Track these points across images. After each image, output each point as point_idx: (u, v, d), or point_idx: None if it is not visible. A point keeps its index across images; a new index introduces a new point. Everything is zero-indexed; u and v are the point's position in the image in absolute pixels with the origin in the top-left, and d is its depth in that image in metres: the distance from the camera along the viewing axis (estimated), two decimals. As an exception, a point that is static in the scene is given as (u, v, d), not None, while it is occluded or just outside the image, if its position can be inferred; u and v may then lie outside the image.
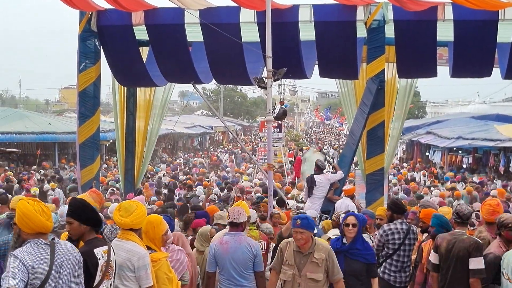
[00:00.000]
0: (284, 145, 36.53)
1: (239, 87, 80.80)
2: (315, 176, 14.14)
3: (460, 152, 35.29)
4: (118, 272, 6.07)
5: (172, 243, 7.61)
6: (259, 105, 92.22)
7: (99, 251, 5.76)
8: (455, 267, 7.43)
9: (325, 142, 64.41)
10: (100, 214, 6.63)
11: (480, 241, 7.56)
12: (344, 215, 8.94)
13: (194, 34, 15.16)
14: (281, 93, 43.46)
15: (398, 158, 42.89)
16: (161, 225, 6.84)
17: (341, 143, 57.82)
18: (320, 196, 13.89)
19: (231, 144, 59.20)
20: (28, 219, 5.04)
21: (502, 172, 31.02)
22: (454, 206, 15.44)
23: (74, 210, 5.87)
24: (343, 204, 12.94)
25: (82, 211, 5.87)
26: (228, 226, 8.11)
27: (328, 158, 39.02)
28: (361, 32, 14.44)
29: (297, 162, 13.51)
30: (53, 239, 5.21)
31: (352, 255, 7.63)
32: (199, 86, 15.38)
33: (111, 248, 5.95)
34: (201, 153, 48.86)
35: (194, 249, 8.92)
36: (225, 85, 66.38)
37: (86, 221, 5.84)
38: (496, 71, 15.80)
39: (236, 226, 7.79)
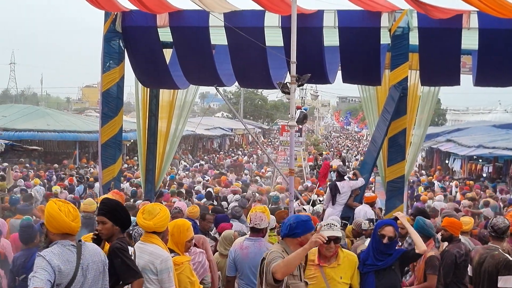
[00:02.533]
0: (304, 150, 36.54)
1: (259, 90, 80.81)
2: (337, 183, 14.16)
3: (480, 160, 35.08)
4: None
5: (195, 245, 7.65)
6: (279, 108, 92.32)
7: (131, 250, 5.83)
8: (484, 283, 7.26)
9: (345, 147, 64.33)
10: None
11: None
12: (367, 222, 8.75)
13: (217, 37, 15.19)
14: (302, 98, 43.43)
15: (418, 166, 42.71)
16: (187, 232, 6.89)
17: (360, 149, 57.72)
18: (342, 203, 13.91)
19: (250, 147, 59.31)
20: (53, 219, 5.12)
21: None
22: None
23: (108, 210, 5.90)
24: (361, 211, 12.93)
25: (116, 212, 5.92)
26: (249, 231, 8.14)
27: (348, 163, 39.00)
28: (385, 38, 14.38)
29: (324, 167, 12.64)
30: (79, 240, 5.28)
31: (381, 265, 6.85)
32: (220, 89, 15.42)
33: (135, 251, 6.02)
34: (221, 154, 49.01)
35: (216, 253, 8.96)
36: (246, 88, 66.44)
37: (119, 222, 5.90)
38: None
39: (257, 232, 7.80)
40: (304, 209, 13.54)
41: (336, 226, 6.66)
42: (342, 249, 6.84)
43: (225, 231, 9.17)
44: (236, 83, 17.06)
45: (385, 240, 6.83)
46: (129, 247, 5.95)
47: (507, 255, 7.35)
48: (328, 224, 6.63)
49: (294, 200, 13.02)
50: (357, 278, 6.75)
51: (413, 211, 10.58)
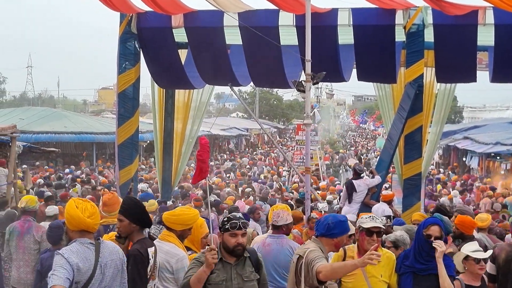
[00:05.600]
0: (320, 148, 36.51)
1: (274, 89, 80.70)
2: (354, 181, 14.14)
3: (498, 158, 34.80)
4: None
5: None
6: (294, 108, 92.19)
7: (150, 252, 5.87)
8: None
9: (362, 146, 64.23)
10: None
11: None
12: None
13: (232, 37, 15.23)
14: (317, 96, 43.34)
15: (434, 163, 42.43)
16: (201, 228, 6.95)
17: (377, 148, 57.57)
18: (358, 201, 13.88)
19: (266, 146, 59.33)
20: (69, 215, 5.22)
21: (541, 179, 30.57)
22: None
23: (126, 208, 6.00)
24: (379, 209, 12.87)
25: (133, 211, 5.99)
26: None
27: (363, 160, 38.93)
28: (400, 36, 14.36)
29: (201, 147, 6.74)
30: (98, 239, 5.33)
31: (423, 271, 6.33)
32: (235, 89, 15.44)
33: (156, 249, 6.05)
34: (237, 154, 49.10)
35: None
36: (261, 88, 66.43)
37: (136, 220, 5.97)
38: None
39: (277, 229, 7.84)
40: (318, 207, 13.44)
41: (378, 218, 6.54)
42: (381, 247, 6.59)
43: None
44: (251, 83, 17.08)
45: (431, 239, 6.28)
46: (150, 248, 6.00)
47: None
48: (370, 216, 6.50)
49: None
50: (395, 277, 6.49)
51: (433, 209, 10.40)
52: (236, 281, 5.81)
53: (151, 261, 5.91)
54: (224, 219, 5.89)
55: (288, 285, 6.09)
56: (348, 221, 6.33)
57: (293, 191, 20.76)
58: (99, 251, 5.20)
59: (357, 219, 11.41)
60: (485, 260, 6.42)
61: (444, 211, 9.08)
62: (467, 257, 6.47)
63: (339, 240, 6.03)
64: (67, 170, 29.75)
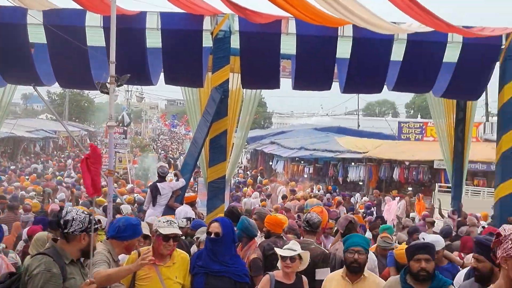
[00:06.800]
0: (130, 152, 36.21)
1: (86, 91, 78.86)
2: (158, 184, 14.14)
3: (302, 162, 36.35)
4: None
5: None
6: (104, 111, 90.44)
7: None
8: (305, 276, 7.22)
9: (173, 150, 64.45)
10: None
11: (328, 252, 7.73)
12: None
13: (37, 35, 14.70)
14: (127, 99, 42.95)
15: (242, 167, 43.50)
16: None
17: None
18: (162, 203, 13.91)
19: (77, 150, 57.83)
20: None
21: (341, 182, 32.41)
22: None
23: None
24: (182, 212, 13.01)
25: None
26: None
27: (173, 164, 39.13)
28: (208, 41, 14.60)
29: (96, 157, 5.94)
30: None
31: (216, 272, 6.47)
32: (43, 89, 14.92)
33: None
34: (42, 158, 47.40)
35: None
36: (71, 89, 64.62)
37: None
38: (336, 85, 16.45)
39: None
40: (121, 209, 13.25)
41: (175, 223, 6.60)
42: (176, 248, 6.62)
43: (38, 233, 8.93)
44: (56, 83, 16.57)
45: (211, 236, 6.49)
46: None
47: (323, 248, 7.77)
48: (168, 220, 6.51)
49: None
50: (189, 278, 6.54)
51: (226, 210, 10.63)
52: None
53: None
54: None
55: None
56: (141, 224, 6.34)
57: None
58: None
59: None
60: (292, 258, 6.67)
61: (235, 214, 9.29)
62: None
63: (129, 243, 6.08)
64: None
